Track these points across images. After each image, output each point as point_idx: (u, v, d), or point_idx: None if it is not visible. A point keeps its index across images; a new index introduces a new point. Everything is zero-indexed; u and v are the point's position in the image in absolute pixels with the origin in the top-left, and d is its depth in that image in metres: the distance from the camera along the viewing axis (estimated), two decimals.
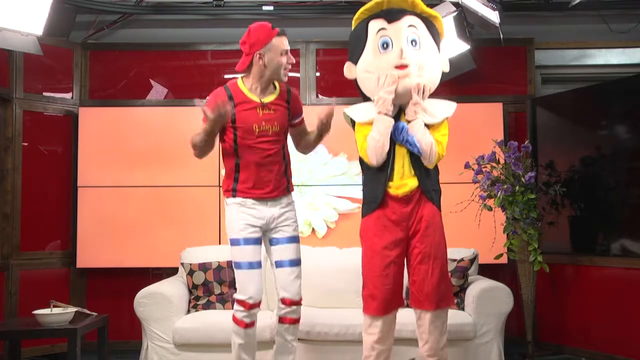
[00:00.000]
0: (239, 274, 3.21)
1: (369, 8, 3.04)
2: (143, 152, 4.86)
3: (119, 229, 4.79)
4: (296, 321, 3.30)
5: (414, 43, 2.96)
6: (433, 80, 3.02)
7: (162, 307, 3.88)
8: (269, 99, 3.24)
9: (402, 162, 2.95)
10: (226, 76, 5.12)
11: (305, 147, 3.49)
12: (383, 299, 2.93)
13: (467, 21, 4.43)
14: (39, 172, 4.76)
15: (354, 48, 3.07)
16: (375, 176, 2.98)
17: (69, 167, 4.89)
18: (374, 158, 2.93)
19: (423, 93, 2.94)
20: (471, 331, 3.82)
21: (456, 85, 4.75)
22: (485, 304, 3.86)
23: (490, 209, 4.30)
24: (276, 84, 3.31)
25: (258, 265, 3.20)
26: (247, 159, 3.19)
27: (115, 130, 4.87)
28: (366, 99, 3.09)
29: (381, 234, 2.95)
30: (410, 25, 2.97)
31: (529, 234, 4.22)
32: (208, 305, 4.15)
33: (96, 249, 4.76)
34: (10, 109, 4.64)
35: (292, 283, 3.24)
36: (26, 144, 4.71)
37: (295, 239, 3.30)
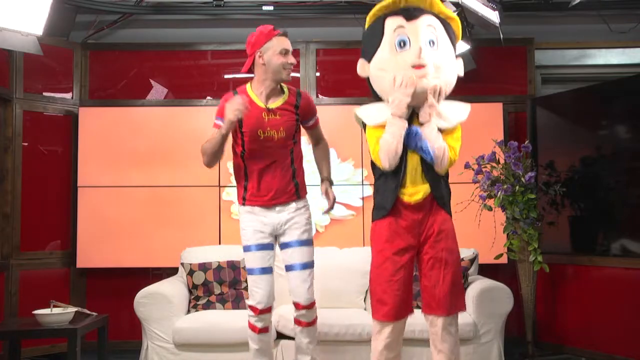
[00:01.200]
0: (249, 280, 3.23)
1: (386, 5, 2.93)
2: (143, 152, 4.86)
3: (119, 229, 4.79)
4: (310, 324, 3.29)
5: (431, 43, 2.87)
6: (449, 83, 2.94)
7: (162, 307, 3.88)
8: (275, 104, 3.23)
9: (414, 168, 2.87)
10: (226, 76, 5.13)
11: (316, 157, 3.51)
12: (393, 304, 2.86)
13: (467, 21, 4.43)
14: (39, 172, 4.76)
15: (368, 45, 2.95)
16: (387, 182, 2.90)
17: (69, 167, 4.89)
18: (387, 162, 2.84)
19: (439, 95, 2.86)
20: (471, 331, 3.82)
21: (456, 85, 4.72)
22: (485, 304, 3.86)
23: (490, 209, 4.30)
24: (285, 88, 3.30)
25: (269, 270, 3.21)
26: (252, 165, 3.21)
27: (115, 130, 4.87)
28: (377, 98, 2.99)
29: (392, 239, 2.88)
30: (428, 25, 2.88)
31: (529, 234, 4.22)
32: (208, 305, 4.15)
33: (96, 249, 4.76)
34: (10, 109, 4.64)
35: (302, 287, 3.22)
36: (26, 144, 4.71)
37: (305, 242, 3.26)
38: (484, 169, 4.28)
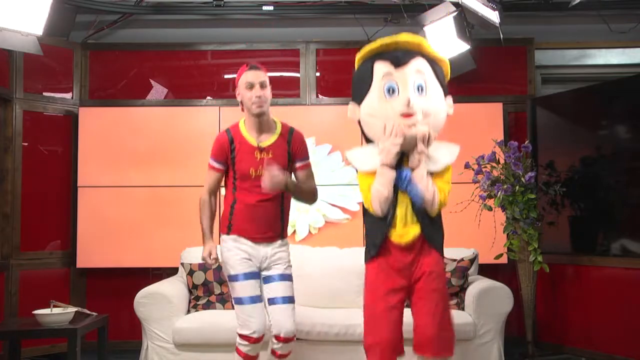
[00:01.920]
0: (241, 309, 3.16)
1: (375, 48, 2.96)
2: (143, 152, 4.86)
3: (119, 229, 4.79)
4: (287, 355, 3.27)
5: (420, 89, 2.91)
6: (438, 127, 2.99)
7: (162, 307, 3.88)
8: (267, 142, 3.21)
9: (404, 209, 2.91)
10: (226, 76, 5.13)
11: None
12: (387, 345, 2.88)
13: (467, 21, 4.43)
14: (39, 172, 4.76)
15: (357, 88, 3.01)
16: (376, 223, 2.94)
17: (69, 167, 4.89)
18: (379, 209, 2.89)
19: (428, 141, 2.90)
20: (471, 331, 3.82)
21: (456, 85, 4.74)
22: (485, 304, 3.86)
23: (490, 209, 4.30)
24: (277, 124, 3.27)
25: (259, 299, 3.19)
26: (243, 201, 3.18)
27: (115, 130, 4.87)
28: (368, 140, 3.05)
29: (383, 280, 2.92)
30: (417, 71, 2.92)
31: (529, 234, 4.22)
32: (208, 305, 4.15)
33: (96, 249, 4.76)
34: (10, 109, 4.64)
35: (286, 320, 3.18)
36: (26, 144, 4.71)
37: (288, 277, 3.25)
38: (484, 169, 4.28)
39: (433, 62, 2.99)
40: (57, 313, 3.56)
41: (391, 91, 2.90)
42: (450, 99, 3.02)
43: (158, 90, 5.09)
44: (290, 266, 3.30)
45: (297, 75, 5.08)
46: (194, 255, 4.39)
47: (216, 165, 3.24)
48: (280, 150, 3.22)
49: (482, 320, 3.85)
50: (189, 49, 5.13)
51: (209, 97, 5.08)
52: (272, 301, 3.21)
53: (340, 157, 4.87)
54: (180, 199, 4.82)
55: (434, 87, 2.96)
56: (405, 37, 2.95)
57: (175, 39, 5.18)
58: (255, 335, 3.11)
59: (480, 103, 4.87)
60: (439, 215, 2.97)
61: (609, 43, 5.19)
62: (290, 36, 5.15)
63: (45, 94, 4.85)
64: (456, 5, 4.32)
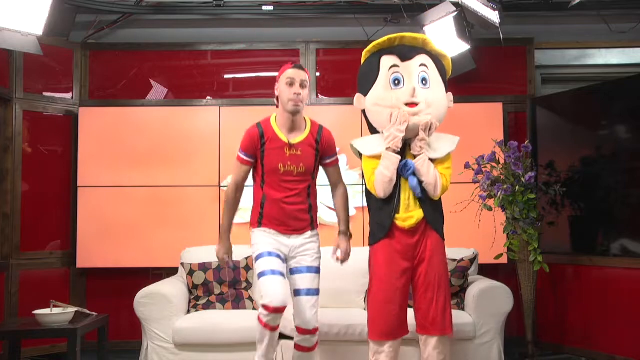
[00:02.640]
0: (262, 281, 3.17)
1: (382, 43, 3.16)
2: (143, 152, 4.86)
3: (119, 229, 4.79)
4: (310, 349, 3.29)
5: (424, 82, 3.11)
6: (440, 118, 3.16)
7: (162, 307, 3.88)
8: (297, 139, 3.25)
9: (407, 194, 3.07)
10: (226, 76, 5.13)
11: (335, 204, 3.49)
12: (389, 324, 3.04)
13: (467, 21, 4.44)
14: (39, 172, 4.76)
15: (364, 80, 3.18)
16: (382, 207, 3.09)
17: (69, 167, 4.89)
18: (382, 192, 3.05)
19: (430, 130, 3.07)
20: (471, 331, 3.82)
21: (456, 85, 4.74)
22: (485, 304, 3.86)
23: (490, 209, 4.30)
24: (308, 122, 3.32)
25: (281, 274, 3.19)
26: (272, 196, 3.23)
27: (115, 130, 4.87)
28: (372, 128, 3.21)
29: (387, 263, 3.07)
30: (421, 65, 3.11)
31: (529, 234, 4.22)
32: (208, 305, 4.15)
33: (96, 249, 4.77)
34: (10, 109, 4.64)
35: (308, 312, 3.21)
36: (26, 144, 4.72)
37: (313, 269, 3.27)
38: (484, 169, 4.28)
39: (436, 59, 3.20)
40: (57, 313, 3.56)
41: (397, 82, 3.10)
42: (450, 94, 3.22)
43: (158, 90, 5.09)
44: (319, 258, 3.32)
45: None
46: (194, 255, 4.39)
47: (245, 158, 3.26)
48: (309, 149, 3.27)
49: (482, 320, 3.85)
50: (189, 49, 5.13)
51: (209, 97, 5.08)
52: (297, 293, 3.26)
53: (344, 159, 4.85)
54: (180, 199, 4.82)
55: (437, 81, 3.16)
56: (410, 34, 3.17)
57: (175, 39, 5.18)
58: (272, 304, 3.08)
59: (480, 103, 4.87)
60: (439, 200, 3.14)
61: (609, 43, 5.20)
62: (290, 36, 5.15)
63: (45, 94, 4.85)
64: (456, 5, 4.32)
